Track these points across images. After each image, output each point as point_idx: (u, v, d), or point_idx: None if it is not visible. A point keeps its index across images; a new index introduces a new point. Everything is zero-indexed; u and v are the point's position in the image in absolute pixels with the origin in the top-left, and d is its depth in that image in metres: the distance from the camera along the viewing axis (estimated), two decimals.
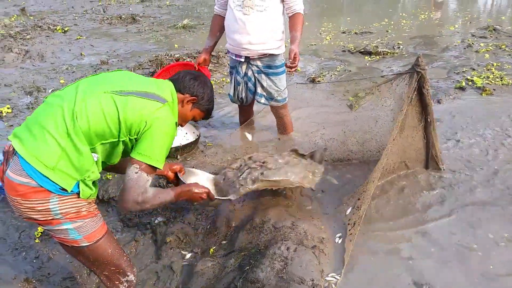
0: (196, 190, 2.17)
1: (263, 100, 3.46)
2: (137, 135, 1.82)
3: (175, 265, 2.51)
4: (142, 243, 2.74)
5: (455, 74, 5.51)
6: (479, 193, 2.96)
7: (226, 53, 6.22)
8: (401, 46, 7.02)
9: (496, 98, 4.65)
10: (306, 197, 2.94)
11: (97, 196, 3.02)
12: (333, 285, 2.19)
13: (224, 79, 5.66)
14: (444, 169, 3.18)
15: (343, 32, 8.25)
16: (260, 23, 3.11)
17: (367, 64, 6.29)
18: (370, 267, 2.36)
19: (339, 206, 2.82)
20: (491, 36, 7.35)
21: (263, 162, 2.70)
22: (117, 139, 1.81)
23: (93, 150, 1.78)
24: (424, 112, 2.98)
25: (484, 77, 5.20)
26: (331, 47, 7.27)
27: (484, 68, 5.61)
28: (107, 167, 2.01)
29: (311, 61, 6.48)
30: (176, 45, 7.47)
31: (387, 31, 8.21)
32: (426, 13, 9.85)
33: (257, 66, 3.31)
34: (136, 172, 1.82)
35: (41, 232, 2.78)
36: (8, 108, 4.74)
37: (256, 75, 3.35)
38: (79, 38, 8.02)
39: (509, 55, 6.22)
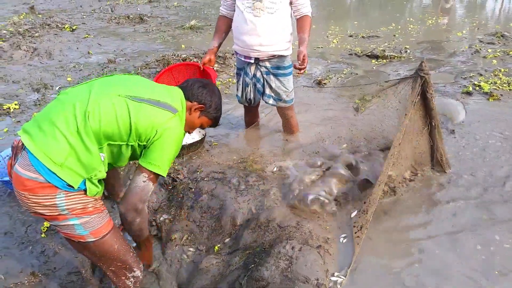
0: (149, 256, 2.38)
1: (271, 101, 3.47)
2: (146, 142, 1.85)
3: (180, 262, 2.52)
4: None
5: (462, 79, 5.50)
6: (486, 195, 2.95)
7: (232, 54, 6.26)
8: (408, 51, 7.01)
9: (503, 103, 4.63)
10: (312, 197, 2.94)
11: (103, 193, 3.05)
12: (338, 285, 2.19)
13: (230, 79, 5.67)
14: (450, 172, 3.18)
15: (350, 36, 8.25)
16: (271, 25, 3.12)
17: (374, 67, 6.29)
18: (375, 267, 2.36)
19: (345, 206, 2.82)
20: (499, 42, 7.33)
21: None
22: (125, 143, 1.83)
23: (100, 150, 1.80)
24: (429, 116, 2.99)
25: (491, 83, 5.18)
26: (338, 50, 7.27)
27: (492, 74, 5.59)
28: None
29: (317, 64, 6.49)
30: (183, 46, 7.50)
31: (394, 35, 8.21)
32: (434, 18, 9.83)
33: (265, 67, 3.31)
34: (144, 181, 1.89)
35: (47, 227, 2.79)
36: (15, 105, 4.77)
37: (264, 76, 3.35)
38: (87, 36, 8.06)
39: None
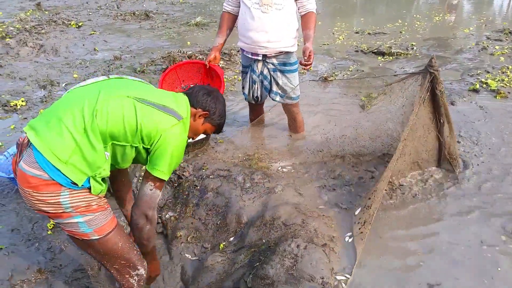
0: (156, 269, 2.28)
1: (278, 98, 3.46)
2: (150, 146, 1.86)
3: (185, 259, 2.52)
4: None
5: (469, 77, 5.45)
6: (491, 194, 2.93)
7: (238, 51, 6.25)
8: (415, 47, 6.96)
9: (511, 100, 4.59)
10: (317, 195, 2.94)
11: (109, 190, 3.06)
12: (343, 284, 2.19)
13: (235, 76, 5.66)
14: (458, 171, 3.16)
15: (356, 32, 8.20)
16: (279, 21, 3.11)
17: (380, 64, 6.25)
18: (381, 266, 2.35)
19: (350, 205, 2.82)
20: (507, 39, 7.25)
21: None
22: (129, 144, 1.84)
23: (105, 149, 1.80)
24: (437, 113, 2.96)
25: (498, 80, 5.14)
26: (344, 47, 7.24)
27: (499, 71, 5.54)
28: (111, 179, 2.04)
29: (323, 61, 6.46)
30: (188, 43, 7.49)
31: (400, 32, 8.15)
32: (441, 15, 9.76)
33: (273, 64, 3.30)
34: (151, 189, 1.91)
35: (53, 224, 2.81)
36: (22, 101, 4.79)
37: (272, 73, 3.34)
38: (93, 33, 8.08)
39: None
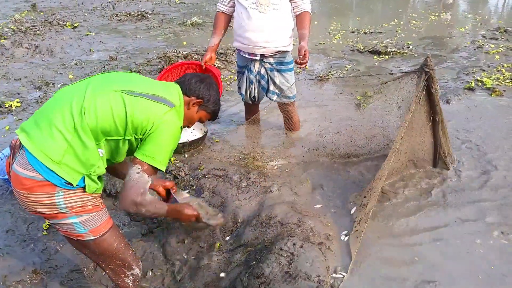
0: (187, 212, 2.13)
1: (275, 98, 3.46)
2: (142, 135, 1.83)
3: (181, 259, 2.52)
4: (149, 237, 2.75)
5: (465, 75, 5.47)
6: (488, 192, 2.94)
7: (234, 51, 6.24)
8: (411, 46, 6.98)
9: (506, 98, 4.60)
10: (313, 194, 2.94)
11: (104, 190, 3.06)
12: (339, 282, 2.19)
13: (231, 76, 5.65)
14: (453, 169, 3.17)
15: (352, 32, 8.21)
16: (276, 21, 3.11)
17: (376, 63, 6.26)
18: (377, 264, 2.35)
19: (346, 203, 2.82)
20: (502, 38, 7.28)
21: None
22: (122, 137, 1.82)
23: (98, 146, 1.79)
24: (433, 111, 2.97)
25: (494, 78, 5.15)
26: (339, 46, 7.24)
27: (494, 70, 5.56)
28: (108, 168, 2.01)
29: (319, 60, 6.47)
30: (184, 43, 7.49)
31: (396, 31, 8.17)
32: (436, 14, 9.79)
33: (270, 63, 3.30)
34: (138, 173, 1.84)
35: (48, 225, 2.80)
36: (17, 102, 4.77)
37: (269, 72, 3.34)
38: (88, 34, 8.05)
39: None
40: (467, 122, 4.03)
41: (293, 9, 3.24)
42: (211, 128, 4.06)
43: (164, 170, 1.91)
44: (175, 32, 8.37)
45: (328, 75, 5.63)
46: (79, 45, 7.31)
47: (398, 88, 3.04)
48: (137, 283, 2.10)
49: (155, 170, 1.88)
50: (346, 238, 2.50)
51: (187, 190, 2.97)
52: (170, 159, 2.00)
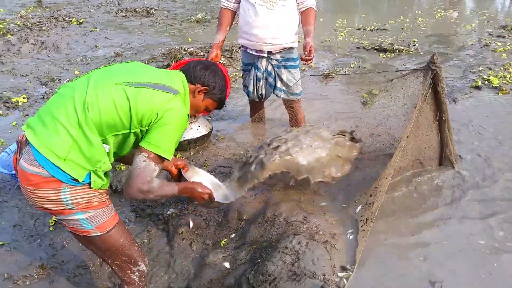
0: (200, 190, 2.12)
1: (282, 94, 3.45)
2: (148, 126, 1.81)
3: (187, 256, 2.53)
4: (154, 234, 2.76)
5: (471, 73, 5.44)
6: (494, 191, 2.94)
7: (239, 48, 6.24)
8: (417, 44, 6.95)
9: None
10: (318, 193, 2.94)
11: (110, 186, 3.07)
12: (345, 281, 2.19)
13: (237, 73, 5.66)
14: (458, 168, 3.16)
15: (358, 29, 8.19)
16: (283, 18, 3.11)
17: (382, 61, 6.24)
18: (383, 263, 2.35)
19: (351, 202, 2.81)
20: (509, 36, 7.24)
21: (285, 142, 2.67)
22: (128, 131, 1.81)
23: (104, 141, 1.78)
24: (439, 110, 2.96)
25: (501, 77, 5.13)
26: (345, 43, 7.22)
27: (501, 68, 5.53)
28: (118, 158, 2.01)
29: (325, 57, 6.46)
30: (189, 39, 7.49)
31: (402, 28, 8.14)
32: (443, 11, 9.73)
33: (277, 60, 3.30)
34: (144, 161, 1.81)
35: (55, 220, 2.82)
36: (24, 98, 4.80)
37: (276, 69, 3.34)
38: (94, 30, 8.08)
39: None
40: (473, 120, 4.02)
41: (298, 5, 3.23)
42: (216, 125, 4.06)
43: (170, 159, 1.88)
44: (180, 29, 8.37)
45: (334, 72, 5.62)
46: (84, 41, 7.34)
47: (404, 86, 3.02)
48: (143, 279, 2.11)
49: (161, 159, 1.85)
50: (351, 237, 2.50)
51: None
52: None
